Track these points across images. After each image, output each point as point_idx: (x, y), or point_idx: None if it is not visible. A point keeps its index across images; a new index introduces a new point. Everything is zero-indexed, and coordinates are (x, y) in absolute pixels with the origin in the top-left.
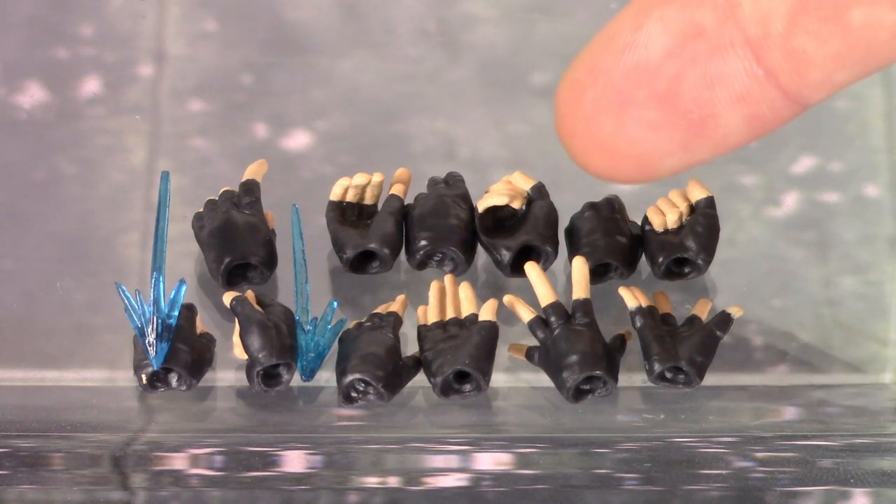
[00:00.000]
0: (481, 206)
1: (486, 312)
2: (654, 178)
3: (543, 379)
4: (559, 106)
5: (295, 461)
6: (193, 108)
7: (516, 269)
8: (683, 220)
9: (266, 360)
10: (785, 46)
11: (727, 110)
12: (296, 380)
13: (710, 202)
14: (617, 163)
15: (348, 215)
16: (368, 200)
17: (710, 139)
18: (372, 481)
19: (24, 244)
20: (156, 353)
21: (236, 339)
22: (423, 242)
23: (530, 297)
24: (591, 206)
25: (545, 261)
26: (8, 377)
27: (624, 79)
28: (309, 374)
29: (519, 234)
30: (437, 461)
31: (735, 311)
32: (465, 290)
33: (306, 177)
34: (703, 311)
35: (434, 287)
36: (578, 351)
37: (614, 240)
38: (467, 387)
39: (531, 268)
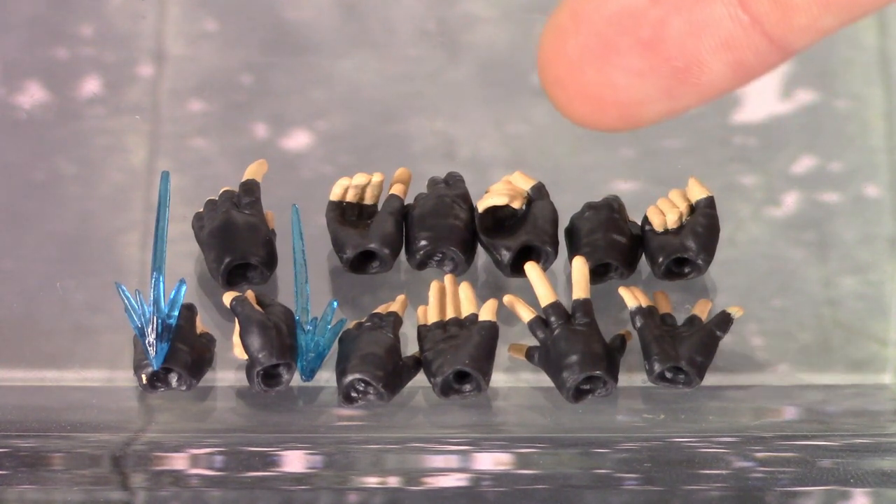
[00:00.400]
0: (481, 206)
1: (486, 312)
2: (637, 126)
3: (543, 379)
4: (542, 53)
5: (295, 461)
6: (193, 108)
7: (516, 269)
8: (683, 220)
9: (266, 360)
10: None
11: (712, 57)
12: (296, 380)
13: (710, 202)
14: (601, 110)
15: (348, 215)
16: (368, 200)
17: (695, 86)
18: (372, 481)
19: (24, 244)
20: (156, 353)
21: (236, 339)
22: (423, 242)
23: (530, 297)
24: (591, 206)
25: (545, 261)
26: (8, 377)
27: (608, 25)
28: (309, 374)
29: (519, 234)
30: (437, 461)
31: (735, 311)
32: (465, 290)
33: (306, 177)
34: (703, 311)
35: (434, 287)
36: (578, 351)
37: (614, 240)
38: (467, 387)
39: (531, 268)
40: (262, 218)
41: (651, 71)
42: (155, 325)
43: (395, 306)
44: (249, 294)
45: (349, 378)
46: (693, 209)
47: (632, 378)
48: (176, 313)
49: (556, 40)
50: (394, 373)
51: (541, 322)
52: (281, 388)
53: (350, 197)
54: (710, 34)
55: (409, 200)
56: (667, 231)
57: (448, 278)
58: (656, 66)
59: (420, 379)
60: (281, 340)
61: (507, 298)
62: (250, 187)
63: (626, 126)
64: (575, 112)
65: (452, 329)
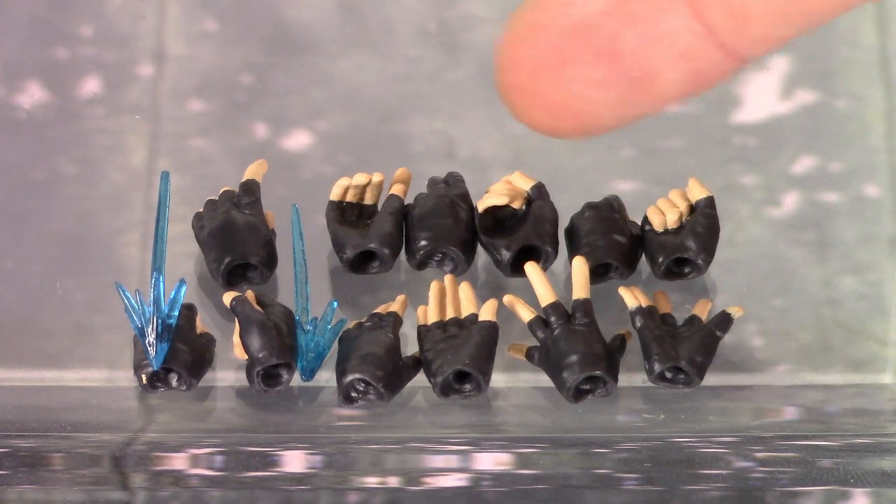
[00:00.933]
0: (481, 206)
1: (486, 312)
2: (594, 134)
3: (543, 379)
4: (500, 62)
5: (295, 461)
6: (193, 108)
7: (516, 269)
8: (683, 220)
9: (266, 360)
10: (725, 3)
11: (668, 67)
12: (296, 380)
13: (710, 202)
14: (558, 118)
15: (348, 215)
16: (368, 200)
17: (651, 95)
18: (372, 481)
19: (24, 244)
20: (156, 353)
21: (236, 339)
22: (423, 242)
23: (530, 297)
24: (591, 206)
25: (545, 261)
26: (8, 377)
27: (564, 36)
28: (309, 374)
29: (519, 234)
30: (437, 461)
31: (735, 311)
32: (465, 290)
33: (306, 177)
34: (703, 311)
35: (434, 287)
36: (578, 351)
37: (614, 240)
38: (467, 387)
39: (531, 268)
40: (262, 218)
41: (607, 81)
42: (155, 325)
43: (395, 306)
44: (249, 294)
45: (349, 378)
46: (693, 209)
47: (632, 378)
48: (176, 313)
49: (514, 49)
50: (394, 373)
51: (541, 322)
52: (281, 388)
53: (350, 197)
54: (666, 45)
55: (409, 200)
56: (667, 231)
57: (448, 278)
58: (612, 76)
59: (420, 379)
60: (281, 340)
61: (507, 298)
62: (250, 187)
63: (584, 134)
64: (532, 119)
65: (452, 329)
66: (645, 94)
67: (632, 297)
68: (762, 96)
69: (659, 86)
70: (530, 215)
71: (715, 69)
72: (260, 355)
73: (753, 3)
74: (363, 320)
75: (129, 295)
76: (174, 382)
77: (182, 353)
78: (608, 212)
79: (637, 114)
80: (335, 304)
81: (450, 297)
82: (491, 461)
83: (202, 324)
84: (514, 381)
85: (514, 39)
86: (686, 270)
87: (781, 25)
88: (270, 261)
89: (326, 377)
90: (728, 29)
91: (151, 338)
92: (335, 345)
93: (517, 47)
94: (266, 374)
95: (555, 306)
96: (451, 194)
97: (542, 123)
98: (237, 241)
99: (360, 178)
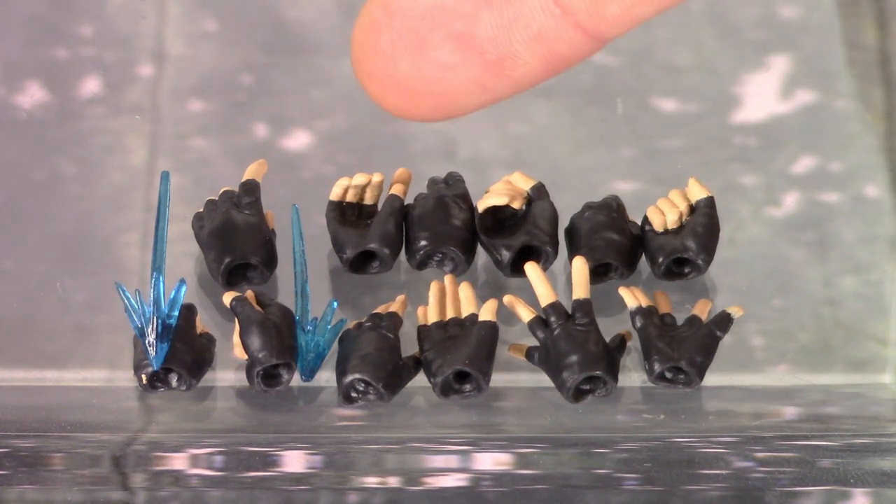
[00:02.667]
0: (481, 206)
1: (486, 312)
2: (453, 116)
3: (543, 379)
4: (355, 47)
5: (295, 461)
6: (193, 108)
7: (516, 269)
8: (683, 220)
9: (266, 360)
10: None
11: (525, 49)
12: (296, 380)
13: (710, 202)
14: (415, 102)
15: (348, 215)
16: (368, 200)
17: (509, 78)
18: (372, 481)
19: (24, 244)
20: (156, 353)
21: (236, 339)
22: (423, 242)
23: (530, 297)
24: (591, 206)
25: (545, 261)
26: (8, 377)
27: (420, 20)
28: (309, 374)
29: (519, 234)
30: (437, 461)
31: (735, 311)
32: (465, 290)
33: (306, 177)
34: (703, 311)
35: (434, 287)
36: (578, 351)
37: (614, 240)
38: (467, 387)
39: (531, 268)
40: (262, 218)
41: (464, 64)
42: (155, 325)
43: (395, 306)
44: (249, 294)
45: (349, 378)
46: (693, 209)
47: (632, 378)
48: (176, 313)
49: (369, 34)
50: (394, 373)
51: (541, 322)
52: (281, 388)
53: (350, 197)
54: (523, 27)
55: (409, 200)
56: (667, 231)
57: (448, 278)
58: (469, 59)
59: (420, 379)
60: (281, 340)
61: (507, 298)
62: (250, 187)
63: (442, 116)
64: (390, 103)
65: (452, 329)
66: (502, 77)
67: (632, 297)
68: (762, 96)
69: (516, 68)
70: (530, 215)
71: (572, 50)
72: (260, 355)
73: None
74: (363, 320)
75: (129, 295)
76: (174, 382)
77: (182, 353)
78: (608, 212)
79: (495, 97)
80: (335, 304)
81: (450, 297)
82: (491, 461)
83: (202, 324)
84: (514, 381)
85: (368, 24)
86: (686, 270)
87: (640, 5)
88: (270, 261)
89: (326, 377)
90: (585, 10)
91: (151, 338)
92: (335, 345)
93: (373, 32)
94: (266, 374)
95: (555, 306)
96: (451, 194)
97: (399, 108)
98: (237, 241)
99: (359, 178)
